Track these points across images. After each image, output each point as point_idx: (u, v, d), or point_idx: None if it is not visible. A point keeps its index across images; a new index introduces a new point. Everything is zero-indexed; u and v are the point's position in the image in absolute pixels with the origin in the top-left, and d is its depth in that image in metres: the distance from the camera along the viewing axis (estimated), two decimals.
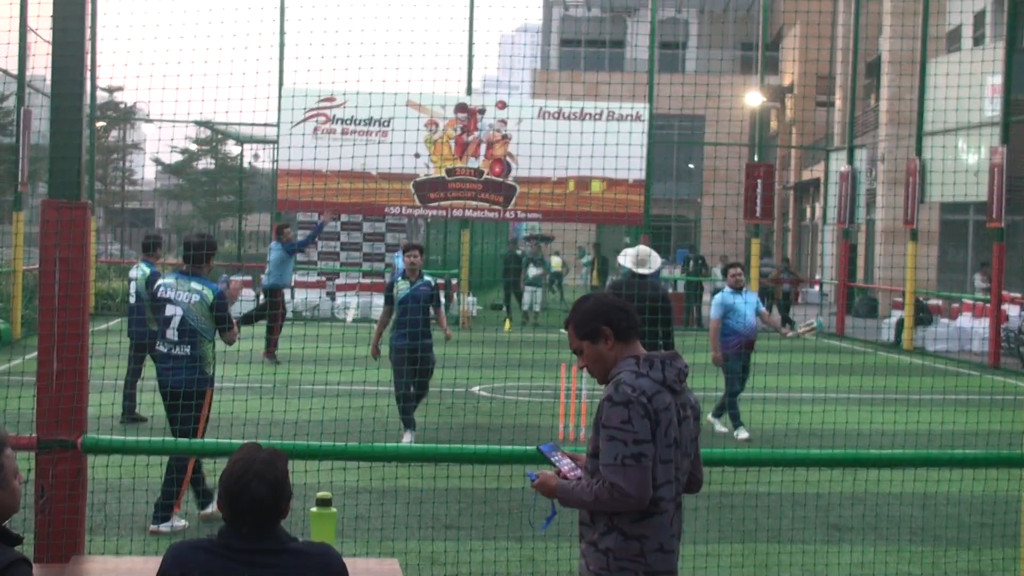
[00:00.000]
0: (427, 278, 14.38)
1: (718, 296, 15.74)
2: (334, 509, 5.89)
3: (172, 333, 10.19)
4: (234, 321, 10.67)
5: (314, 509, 5.86)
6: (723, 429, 15.57)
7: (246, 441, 4.90)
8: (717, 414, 15.90)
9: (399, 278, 14.39)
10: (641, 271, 13.52)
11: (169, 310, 10.25)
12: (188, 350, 10.13)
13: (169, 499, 9.91)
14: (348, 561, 6.43)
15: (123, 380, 15.22)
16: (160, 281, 10.81)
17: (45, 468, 6.34)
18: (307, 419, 13.80)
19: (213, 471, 10.15)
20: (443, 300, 15.99)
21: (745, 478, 12.06)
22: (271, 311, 22.54)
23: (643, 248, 13.78)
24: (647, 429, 4.80)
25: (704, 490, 11.74)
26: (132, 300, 15.37)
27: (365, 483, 10.49)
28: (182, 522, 10.07)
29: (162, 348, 10.28)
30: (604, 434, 4.85)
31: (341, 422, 13.76)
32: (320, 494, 5.87)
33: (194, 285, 10.29)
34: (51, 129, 6.30)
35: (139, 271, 15.31)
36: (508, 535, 9.92)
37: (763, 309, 16.07)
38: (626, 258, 13.71)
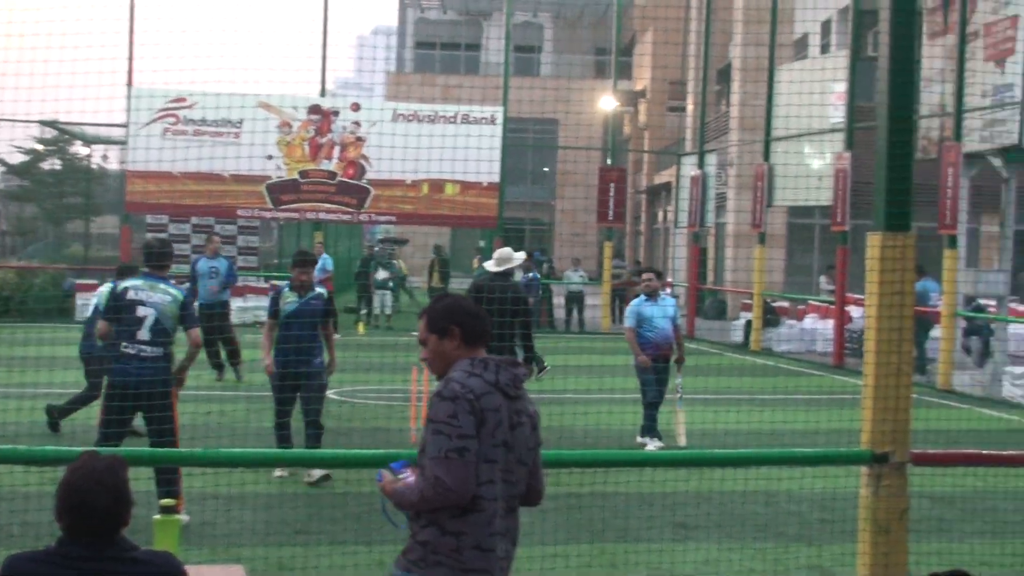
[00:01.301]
0: (319, 290, 12.83)
1: (631, 304, 15.53)
2: (177, 516, 5.82)
3: (144, 334, 10.15)
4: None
5: (157, 516, 5.79)
6: (655, 446, 14.82)
7: (85, 449, 4.83)
8: (643, 433, 15.13)
9: (286, 289, 12.85)
10: (496, 269, 13.63)
11: (141, 311, 10.21)
12: (160, 351, 10.24)
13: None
14: (193, 568, 6.37)
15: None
16: (126, 283, 10.66)
17: None
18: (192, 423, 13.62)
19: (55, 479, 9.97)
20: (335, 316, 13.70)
21: (593, 479, 12.18)
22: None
23: (505, 249, 13.97)
24: (472, 425, 4.86)
25: (553, 491, 11.84)
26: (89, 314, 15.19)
27: (212, 489, 10.39)
28: (186, 517, 9.84)
29: (129, 350, 10.16)
30: (431, 428, 4.93)
31: (188, 427, 13.60)
32: (163, 501, 5.81)
33: (162, 287, 10.41)
34: None
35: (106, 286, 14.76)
36: (357, 539, 9.89)
37: (679, 321, 15.43)
38: (489, 262, 13.94)
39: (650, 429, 14.95)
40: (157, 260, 10.62)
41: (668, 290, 22.90)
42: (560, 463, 9.14)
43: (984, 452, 8.32)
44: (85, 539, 4.42)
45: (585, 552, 9.92)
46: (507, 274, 13.67)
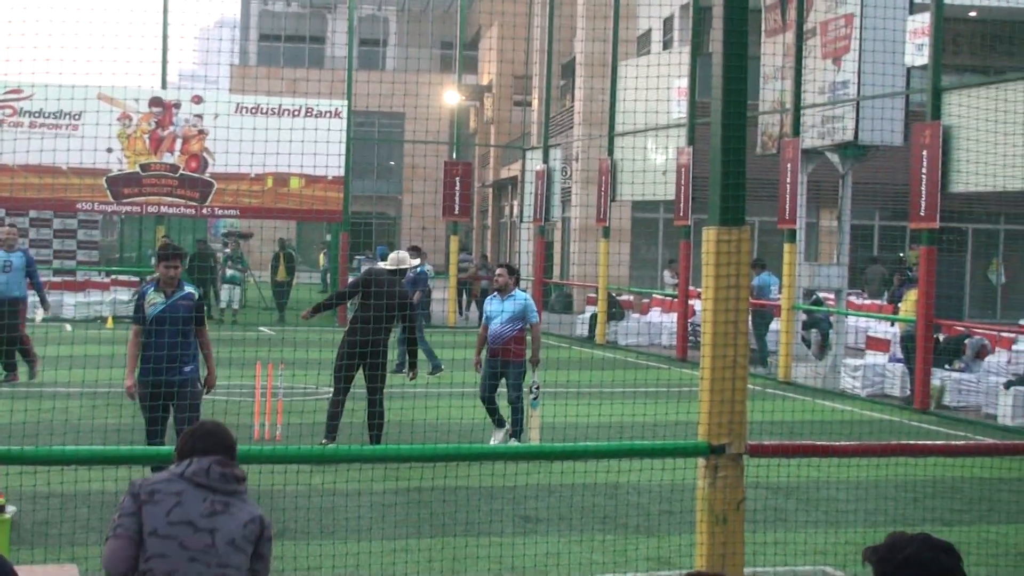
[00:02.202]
0: (188, 289, 11.45)
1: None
2: (8, 515, 5.68)
3: None
4: None
5: None
6: (496, 439, 14.80)
7: None
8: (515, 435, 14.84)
9: (150, 289, 11.46)
10: (389, 267, 14.38)
11: None
12: None
13: None
14: (25, 568, 6.24)
15: None
16: None
17: None
18: None
19: None
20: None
21: (434, 473, 12.19)
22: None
23: (401, 252, 14.81)
24: (131, 505, 5.16)
25: (397, 485, 11.93)
26: None
27: (48, 488, 10.16)
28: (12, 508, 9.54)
29: None
30: None
31: (31, 424, 13.32)
32: None
33: None
34: None
35: None
36: None
37: (533, 319, 14.86)
38: (385, 263, 14.74)
39: (496, 423, 14.95)
40: None
41: (526, 288, 22.77)
42: (402, 457, 9.14)
43: (818, 443, 8.49)
44: None
45: (428, 547, 9.92)
46: (398, 273, 14.35)
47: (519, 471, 11.68)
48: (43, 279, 32.30)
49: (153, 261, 11.27)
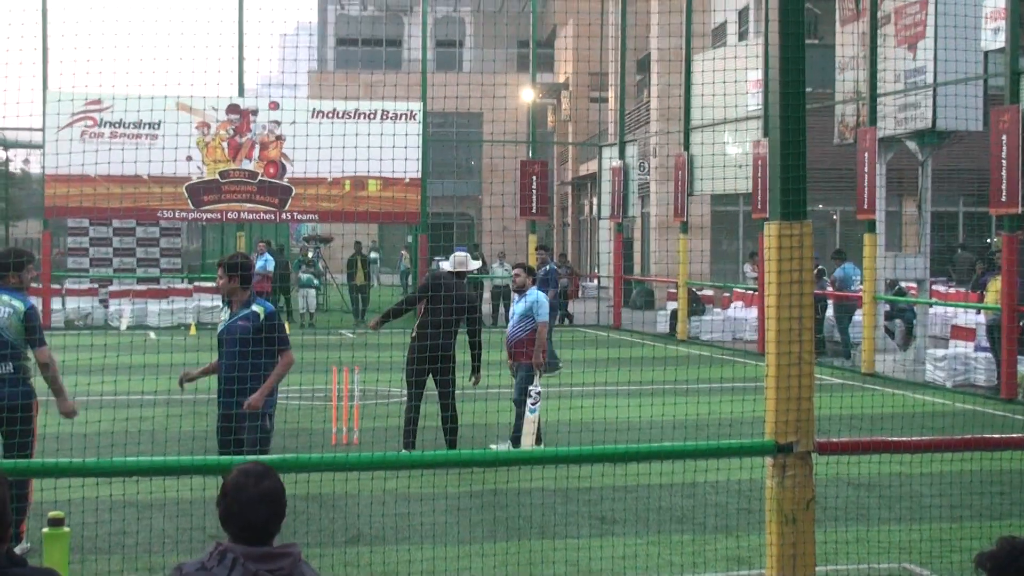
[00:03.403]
0: (253, 307, 10.03)
1: None
2: (67, 528, 5.69)
3: None
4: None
5: (46, 530, 5.65)
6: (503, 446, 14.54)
7: None
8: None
9: (224, 303, 10.41)
10: (451, 269, 14.09)
11: None
12: (11, 366, 9.64)
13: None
14: None
15: None
16: None
17: None
18: (69, 432, 13.42)
19: None
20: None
21: (510, 476, 12.13)
22: None
23: (461, 254, 14.32)
24: None
25: (473, 488, 11.87)
26: None
27: (120, 497, 10.21)
28: (26, 545, 9.51)
29: None
30: None
31: (106, 435, 13.40)
32: (52, 513, 5.67)
33: (4, 298, 9.68)
34: None
35: None
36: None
37: (540, 319, 14.48)
38: (445, 263, 14.46)
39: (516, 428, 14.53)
40: (1, 270, 9.81)
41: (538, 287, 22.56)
42: (477, 461, 9.09)
43: (889, 439, 8.31)
44: None
45: (503, 550, 9.85)
46: (461, 275, 14.07)
47: (595, 472, 11.61)
48: (127, 287, 32.85)
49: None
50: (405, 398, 13.95)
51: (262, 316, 10.00)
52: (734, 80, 26.67)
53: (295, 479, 10.47)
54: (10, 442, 9.50)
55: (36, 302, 10.06)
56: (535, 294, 14.74)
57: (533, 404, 14.03)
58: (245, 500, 4.58)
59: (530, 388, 14.12)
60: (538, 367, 14.38)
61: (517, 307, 14.78)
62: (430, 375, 13.74)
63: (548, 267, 23.34)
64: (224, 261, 10.31)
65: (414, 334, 13.87)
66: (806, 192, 6.51)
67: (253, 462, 4.85)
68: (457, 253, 14.38)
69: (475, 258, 35.68)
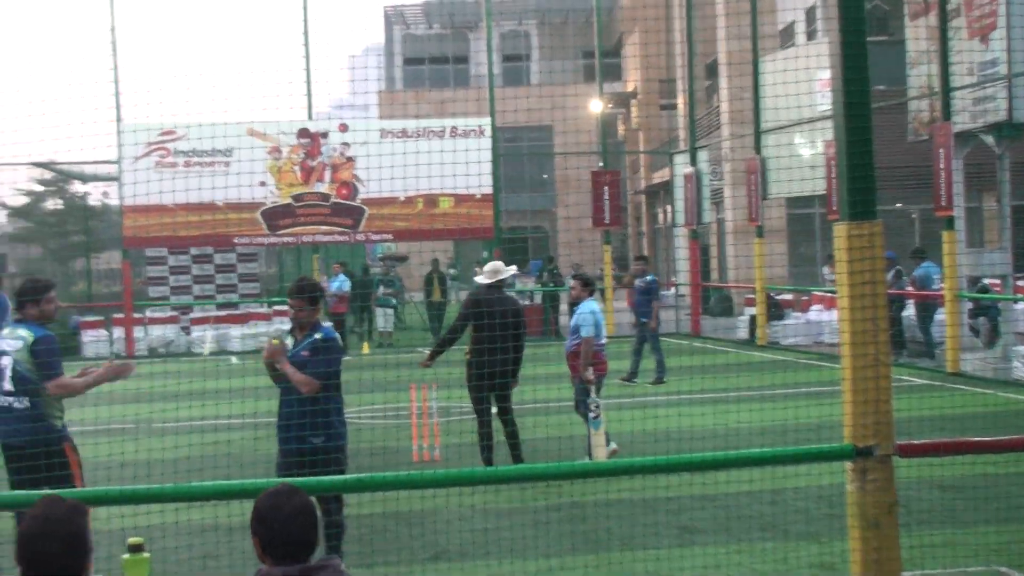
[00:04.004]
0: (317, 335, 9.40)
1: None
2: (147, 554, 5.71)
3: (7, 384, 9.39)
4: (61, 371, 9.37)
5: (126, 556, 5.68)
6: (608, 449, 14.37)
7: (45, 494, 4.71)
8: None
9: (286, 333, 9.73)
10: (487, 281, 13.58)
11: (3, 360, 9.43)
12: (27, 401, 9.24)
13: None
14: None
15: None
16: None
17: None
18: (159, 459, 13.55)
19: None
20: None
21: (594, 488, 12.07)
22: None
23: (494, 263, 13.86)
24: None
25: (555, 501, 11.82)
26: None
27: (212, 520, 10.27)
28: None
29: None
30: None
31: (195, 458, 13.55)
32: (131, 539, 5.70)
33: (19, 331, 9.43)
34: None
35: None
36: (360, 562, 9.78)
37: (584, 333, 14.15)
38: (480, 276, 13.85)
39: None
40: (18, 301, 9.56)
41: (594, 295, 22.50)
42: (561, 474, 9.05)
43: (972, 440, 8.18)
44: None
45: (588, 563, 9.81)
46: (498, 286, 13.67)
47: (678, 482, 11.52)
48: (207, 313, 33.14)
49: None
50: (477, 422, 13.74)
51: (320, 340, 9.37)
52: (805, 80, 26.47)
53: (377, 497, 10.51)
54: (34, 477, 8.93)
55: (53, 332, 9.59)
56: (584, 307, 14.43)
57: (594, 418, 13.89)
58: (283, 518, 4.60)
59: (588, 402, 13.95)
60: (588, 383, 14.10)
61: (572, 320, 14.70)
62: (489, 392, 13.50)
63: (650, 277, 23.24)
64: (303, 289, 9.51)
65: (468, 356, 13.64)
66: (875, 191, 6.42)
67: (280, 484, 4.88)
68: (490, 264, 13.99)
69: (550, 271, 35.86)
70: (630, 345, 23.09)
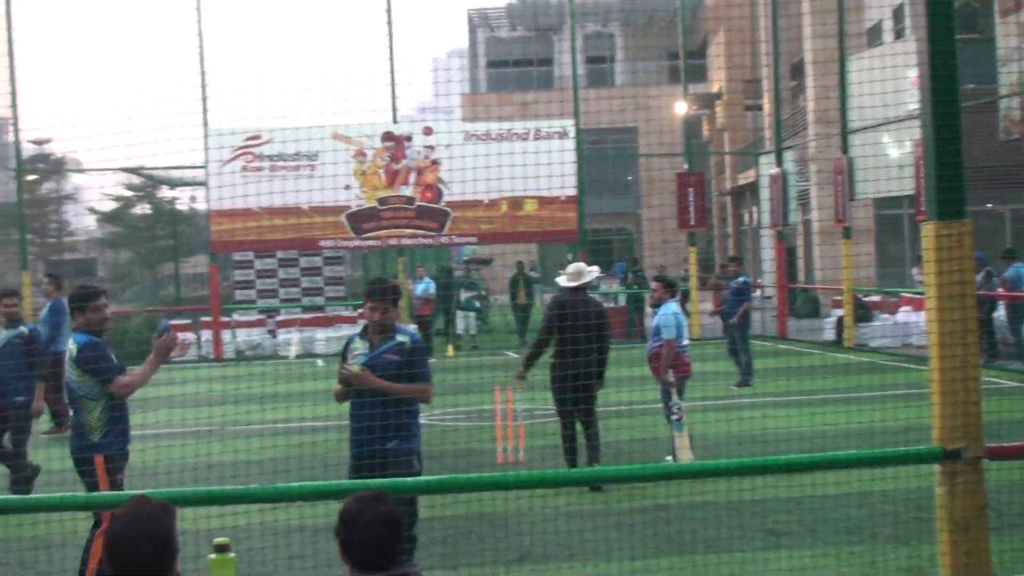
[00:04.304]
0: (400, 338, 8.92)
1: None
2: (233, 554, 5.76)
3: (66, 397, 9.36)
4: (124, 370, 9.24)
5: (213, 556, 5.73)
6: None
7: (134, 494, 4.76)
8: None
9: (356, 336, 9.22)
10: (571, 284, 13.43)
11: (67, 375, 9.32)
12: (74, 415, 9.19)
13: None
14: None
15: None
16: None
17: None
18: (245, 460, 13.67)
19: None
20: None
21: (679, 489, 12.01)
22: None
23: (578, 264, 13.70)
24: None
25: (640, 504, 11.77)
26: None
27: (298, 521, 10.35)
28: None
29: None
30: None
31: (280, 460, 13.65)
32: (218, 540, 5.74)
33: (70, 343, 9.27)
34: None
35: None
36: (444, 564, 9.80)
37: (666, 335, 14.08)
38: (563, 278, 13.66)
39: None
40: (70, 310, 9.41)
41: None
42: (646, 476, 9.04)
43: None
44: None
45: (672, 565, 9.77)
46: (582, 288, 13.53)
47: (765, 484, 11.44)
48: (294, 316, 33.39)
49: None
50: (560, 424, 13.61)
51: (408, 344, 8.88)
52: (893, 79, 26.18)
53: (461, 498, 10.53)
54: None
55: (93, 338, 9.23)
56: (665, 309, 14.30)
57: (677, 420, 13.81)
58: (364, 524, 4.60)
59: (671, 404, 13.91)
60: (669, 384, 14.02)
61: (653, 321, 14.61)
62: (573, 395, 13.29)
63: (743, 279, 23.15)
64: (385, 291, 8.92)
65: (552, 359, 13.47)
66: (964, 191, 6.33)
67: (367, 488, 4.88)
68: (573, 265, 13.78)
69: (634, 273, 35.76)
70: (725, 348, 23.01)
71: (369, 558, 4.59)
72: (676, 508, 11.57)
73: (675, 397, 13.92)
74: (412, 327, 9.07)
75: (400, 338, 8.89)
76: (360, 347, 8.96)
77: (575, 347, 13.03)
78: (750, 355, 22.23)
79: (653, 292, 14.78)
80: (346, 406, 9.11)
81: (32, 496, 11.19)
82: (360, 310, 33.68)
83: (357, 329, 9.73)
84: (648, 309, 34.66)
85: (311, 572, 9.74)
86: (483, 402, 17.98)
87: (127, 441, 9.18)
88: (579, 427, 13.51)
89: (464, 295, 33.61)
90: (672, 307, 14.32)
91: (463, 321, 33.69)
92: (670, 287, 14.62)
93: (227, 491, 6.55)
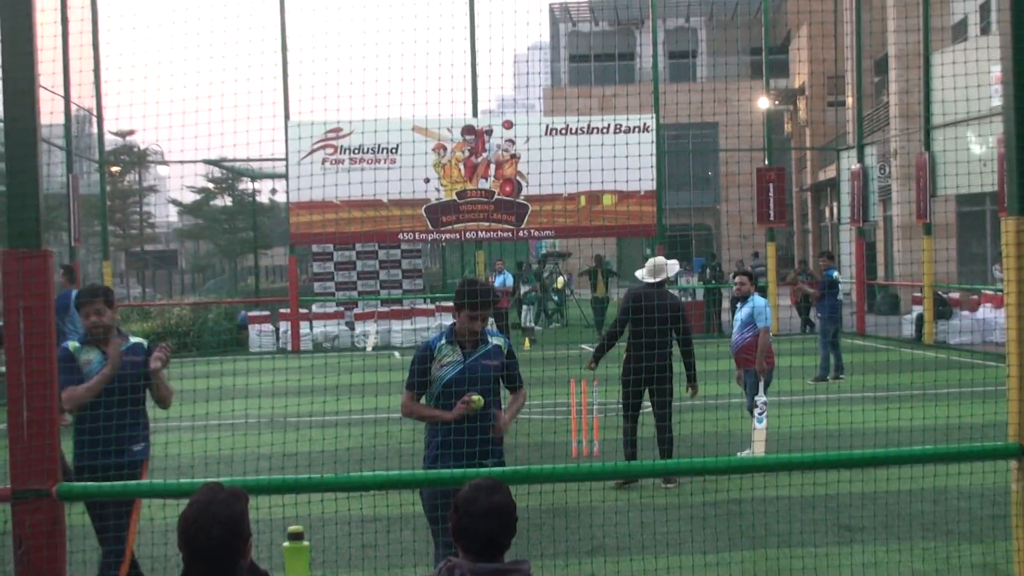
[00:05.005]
0: (494, 341, 8.22)
1: None
2: (306, 542, 5.82)
3: None
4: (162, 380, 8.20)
5: (286, 543, 5.79)
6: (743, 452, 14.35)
7: (207, 481, 4.83)
8: None
9: (441, 341, 8.18)
10: (650, 279, 13.32)
11: None
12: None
13: None
14: None
15: None
16: None
17: (21, 518, 6.29)
18: (320, 450, 13.77)
19: None
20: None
21: (753, 484, 11.96)
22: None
23: (658, 259, 13.52)
24: None
25: (713, 498, 11.75)
26: None
27: (371, 511, 10.41)
28: None
29: None
30: None
31: (355, 450, 13.73)
32: (292, 528, 5.81)
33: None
34: (7, 177, 6.27)
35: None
36: (517, 555, 9.81)
37: (761, 324, 14.41)
38: (641, 271, 13.51)
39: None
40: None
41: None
42: (718, 470, 9.02)
43: None
44: (203, 570, 4.42)
45: (747, 559, 9.74)
46: (661, 283, 13.37)
47: (840, 479, 11.37)
48: (372, 309, 33.57)
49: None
50: (622, 417, 13.45)
51: (504, 348, 8.24)
52: (976, 74, 25.86)
53: (535, 490, 10.55)
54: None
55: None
56: (756, 300, 14.59)
57: (760, 414, 13.77)
58: (475, 513, 4.61)
59: (756, 398, 13.90)
60: (761, 373, 14.10)
61: (740, 314, 14.63)
62: (646, 391, 13.20)
63: (831, 272, 23.15)
64: (488, 298, 8.09)
65: (626, 354, 13.33)
66: None
67: (485, 476, 4.88)
68: (652, 260, 13.52)
69: (712, 267, 35.62)
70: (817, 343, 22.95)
71: (479, 546, 4.61)
72: (749, 502, 11.52)
73: (761, 391, 13.94)
74: (493, 327, 8.42)
75: (495, 341, 8.21)
76: (450, 354, 8.07)
77: (649, 340, 12.88)
78: (826, 350, 22.15)
79: (740, 285, 14.75)
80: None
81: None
82: (436, 303, 33.83)
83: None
84: (725, 303, 34.65)
85: (384, 562, 9.80)
86: (557, 395, 17.97)
87: (97, 455, 7.82)
88: (645, 421, 13.44)
89: (523, 289, 33.76)
90: (762, 299, 14.44)
91: (524, 314, 33.93)
92: (754, 280, 14.72)
93: (301, 480, 6.60)
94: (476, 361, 8.02)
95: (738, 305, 14.87)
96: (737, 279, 14.93)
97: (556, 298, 39.57)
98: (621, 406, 13.47)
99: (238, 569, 4.47)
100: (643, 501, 11.74)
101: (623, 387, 13.32)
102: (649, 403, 13.28)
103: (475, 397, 7.88)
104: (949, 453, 7.26)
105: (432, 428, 8.03)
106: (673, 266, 13.51)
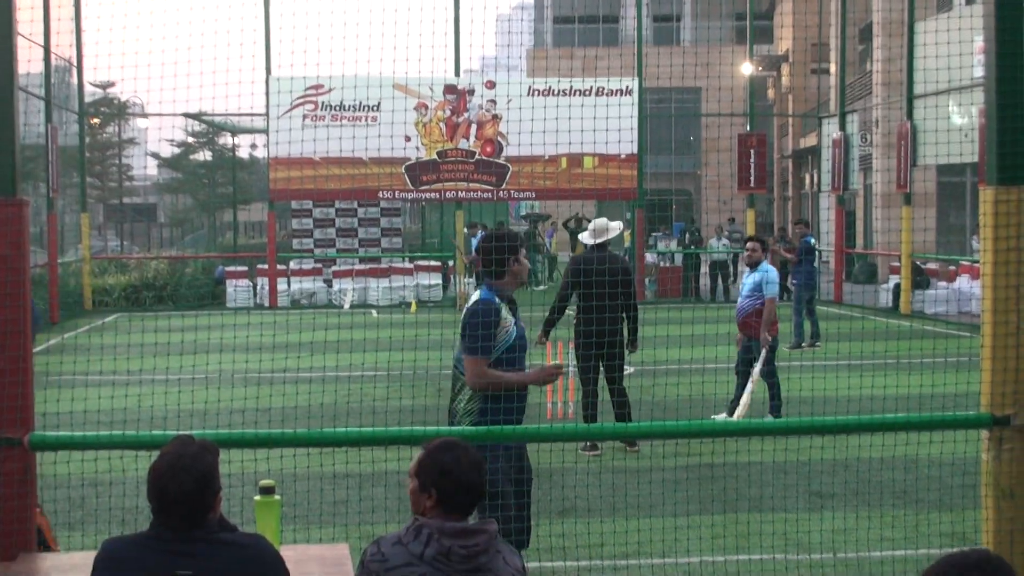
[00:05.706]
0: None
1: None
2: (278, 496, 5.81)
3: None
4: None
5: (257, 497, 5.78)
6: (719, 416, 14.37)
7: (178, 434, 4.82)
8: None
9: (494, 300, 7.24)
10: (590, 241, 12.90)
11: None
12: None
13: None
14: (299, 548, 6.39)
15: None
16: None
17: None
18: (294, 405, 13.78)
19: None
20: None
21: (725, 448, 12.00)
22: None
23: (598, 221, 13.04)
24: None
25: (686, 462, 11.80)
26: None
27: (343, 468, 10.42)
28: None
29: None
30: None
31: (329, 406, 13.74)
32: (263, 482, 5.79)
33: None
34: None
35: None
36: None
37: (768, 293, 14.17)
38: (584, 234, 13.11)
39: (735, 398, 14.24)
40: None
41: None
42: (691, 433, 9.04)
43: None
44: (172, 522, 4.42)
45: (718, 523, 9.80)
46: (604, 246, 12.98)
47: (812, 445, 11.41)
48: (350, 267, 33.51)
49: (475, 249, 6.92)
50: (580, 384, 13.18)
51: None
52: (959, 43, 25.84)
53: None
54: None
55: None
56: (766, 268, 14.39)
57: (768, 374, 13.87)
58: (464, 470, 4.53)
59: (764, 361, 13.84)
60: (764, 344, 14.00)
61: (747, 280, 14.55)
62: (596, 356, 12.89)
63: (809, 239, 23.21)
64: (516, 234, 7.57)
65: (575, 321, 13.03)
66: None
67: (446, 438, 4.82)
68: (596, 221, 13.02)
69: (691, 232, 35.64)
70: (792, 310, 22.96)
71: (472, 499, 4.56)
72: (722, 467, 11.59)
73: (760, 363, 13.85)
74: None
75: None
76: (508, 317, 7.22)
77: (599, 305, 12.55)
78: (800, 316, 22.25)
79: (751, 252, 14.64)
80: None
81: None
82: (414, 262, 33.77)
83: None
84: (704, 268, 34.71)
85: (356, 518, 9.81)
86: (531, 358, 17.94)
87: None
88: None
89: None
90: (769, 267, 14.36)
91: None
92: (765, 247, 14.64)
93: (275, 434, 6.60)
94: (518, 323, 7.33)
95: (745, 271, 14.78)
96: (749, 245, 14.82)
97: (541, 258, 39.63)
98: (578, 372, 13.20)
99: (208, 522, 4.47)
100: (615, 464, 11.77)
101: (576, 356, 13.06)
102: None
103: (560, 364, 7.58)
104: (921, 422, 7.27)
105: (482, 394, 7.20)
106: (616, 227, 13.08)
